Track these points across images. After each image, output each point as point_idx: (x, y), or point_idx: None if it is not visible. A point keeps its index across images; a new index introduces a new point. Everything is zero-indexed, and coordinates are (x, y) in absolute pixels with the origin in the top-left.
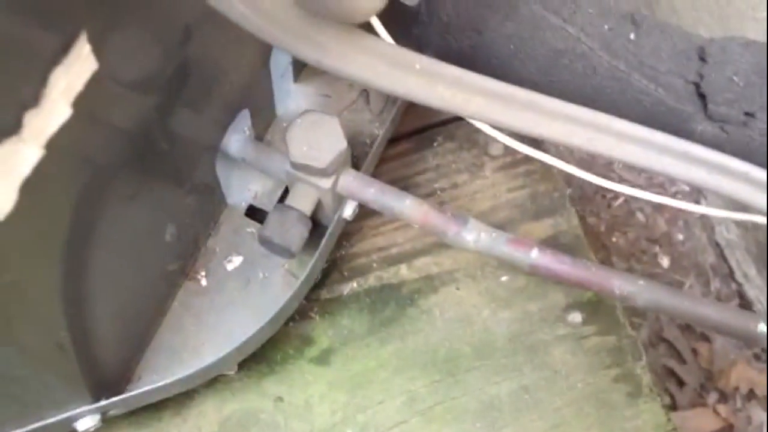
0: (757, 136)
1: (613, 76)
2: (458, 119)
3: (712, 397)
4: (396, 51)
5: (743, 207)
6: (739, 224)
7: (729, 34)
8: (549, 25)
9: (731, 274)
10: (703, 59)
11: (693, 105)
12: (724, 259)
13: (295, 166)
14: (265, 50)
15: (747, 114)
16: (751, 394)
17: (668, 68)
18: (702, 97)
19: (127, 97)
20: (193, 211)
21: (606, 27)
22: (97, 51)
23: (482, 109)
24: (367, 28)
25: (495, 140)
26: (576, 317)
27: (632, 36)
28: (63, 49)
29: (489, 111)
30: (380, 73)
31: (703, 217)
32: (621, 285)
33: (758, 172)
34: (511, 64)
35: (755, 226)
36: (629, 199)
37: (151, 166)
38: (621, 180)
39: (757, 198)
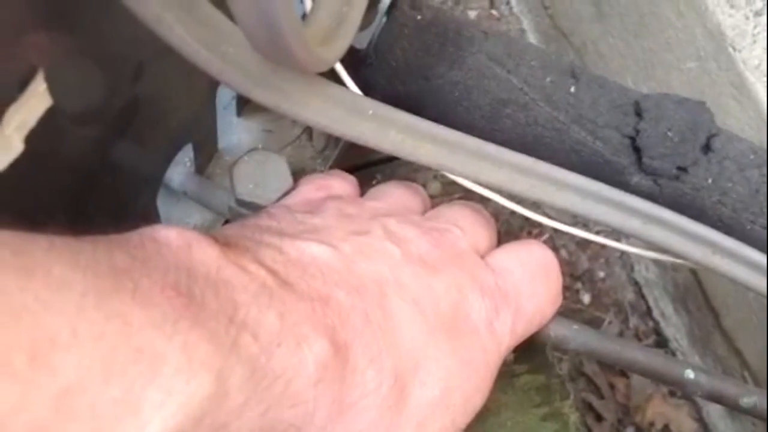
0: (688, 190)
1: (553, 127)
2: (398, 158)
3: None
4: (352, 97)
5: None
6: (658, 264)
7: (655, 84)
8: (494, 75)
9: (649, 312)
10: (639, 114)
11: (628, 158)
12: (643, 297)
13: (240, 203)
14: (213, 84)
15: (679, 168)
16: (665, 430)
17: (606, 122)
18: (637, 150)
19: (76, 132)
20: None
21: (548, 80)
22: (52, 88)
23: (431, 156)
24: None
25: (433, 180)
26: (509, 355)
27: (572, 89)
28: (20, 87)
29: (437, 157)
30: (335, 118)
31: (624, 256)
32: (555, 328)
33: (691, 225)
34: (457, 111)
35: (673, 266)
36: (554, 236)
37: (93, 199)
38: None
39: (688, 249)
